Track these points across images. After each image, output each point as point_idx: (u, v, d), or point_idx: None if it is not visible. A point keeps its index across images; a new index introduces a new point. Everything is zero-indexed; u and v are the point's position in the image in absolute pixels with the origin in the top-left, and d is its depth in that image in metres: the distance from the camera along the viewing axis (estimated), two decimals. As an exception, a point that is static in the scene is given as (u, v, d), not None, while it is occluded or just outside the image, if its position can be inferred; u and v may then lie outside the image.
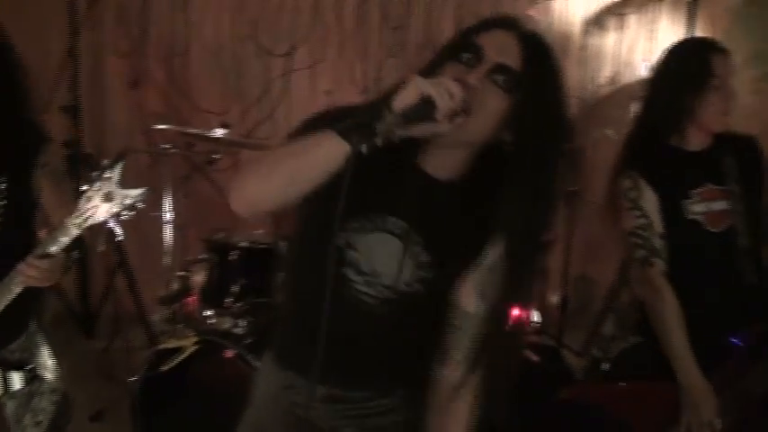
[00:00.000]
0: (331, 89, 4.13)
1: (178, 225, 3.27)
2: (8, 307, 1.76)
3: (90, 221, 1.74)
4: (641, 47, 4.49)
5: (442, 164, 1.34)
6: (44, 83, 3.55)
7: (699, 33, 4.35)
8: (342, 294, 1.38)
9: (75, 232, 1.74)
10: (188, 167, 3.22)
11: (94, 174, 1.74)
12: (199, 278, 3.25)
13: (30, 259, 1.71)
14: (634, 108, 4.54)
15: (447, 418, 1.35)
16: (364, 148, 1.15)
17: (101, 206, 1.73)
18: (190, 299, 3.20)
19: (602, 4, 4.45)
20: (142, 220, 1.78)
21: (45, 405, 1.96)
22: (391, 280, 1.36)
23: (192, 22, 3.96)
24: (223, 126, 2.98)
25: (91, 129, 3.89)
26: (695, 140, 2.07)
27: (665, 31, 4.49)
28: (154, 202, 3.20)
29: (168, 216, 3.16)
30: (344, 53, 4.15)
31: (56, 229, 1.74)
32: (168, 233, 3.17)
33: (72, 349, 2.71)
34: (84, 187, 1.75)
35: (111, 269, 3.67)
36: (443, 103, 1.15)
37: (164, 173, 3.08)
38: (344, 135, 1.17)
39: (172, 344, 2.60)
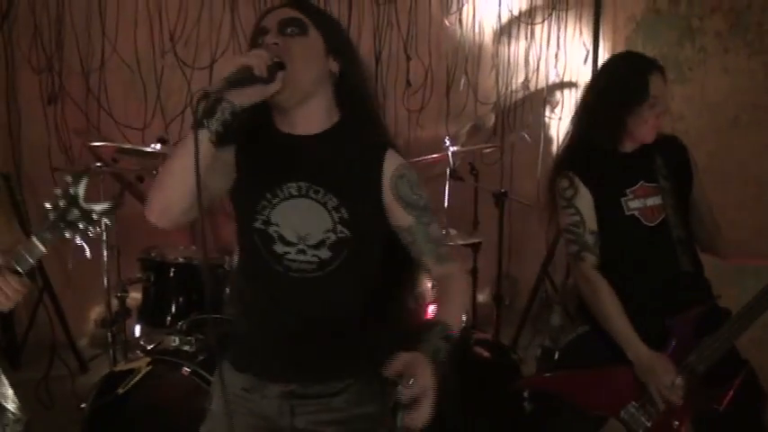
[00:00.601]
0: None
1: (110, 245, 3.16)
2: None
3: (56, 238, 1.70)
4: (550, 54, 4.73)
5: (305, 121, 1.53)
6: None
7: (603, 41, 4.64)
8: (279, 274, 1.50)
9: (41, 250, 1.70)
10: (119, 185, 3.11)
11: (58, 190, 1.71)
12: (133, 299, 3.16)
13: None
14: (546, 112, 4.80)
15: (445, 301, 1.53)
16: (214, 125, 1.36)
17: (66, 222, 1.70)
18: (128, 319, 3.11)
19: (512, 13, 4.66)
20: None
21: None
22: (316, 236, 1.49)
23: (108, 36, 3.84)
24: (160, 141, 2.92)
25: (7, 148, 3.72)
26: (628, 145, 2.21)
27: (572, 39, 4.75)
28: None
29: (103, 236, 3.06)
30: (264, 64, 4.13)
31: (22, 246, 1.69)
32: (104, 253, 3.06)
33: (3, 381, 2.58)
34: (48, 205, 1.71)
35: (37, 294, 3.51)
36: (255, 62, 1.36)
37: (95, 191, 2.97)
38: (194, 126, 1.35)
39: (124, 366, 2.52)
